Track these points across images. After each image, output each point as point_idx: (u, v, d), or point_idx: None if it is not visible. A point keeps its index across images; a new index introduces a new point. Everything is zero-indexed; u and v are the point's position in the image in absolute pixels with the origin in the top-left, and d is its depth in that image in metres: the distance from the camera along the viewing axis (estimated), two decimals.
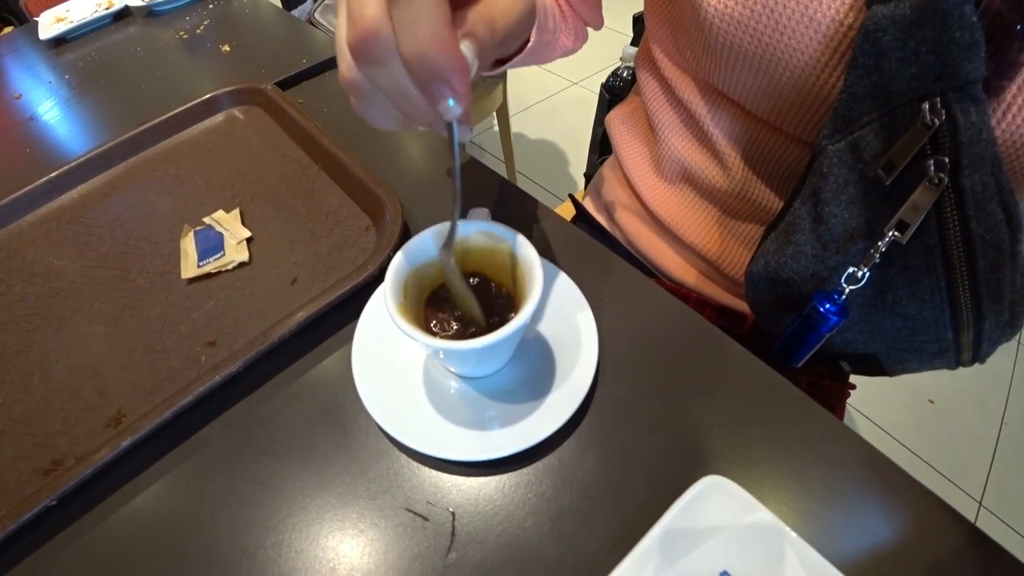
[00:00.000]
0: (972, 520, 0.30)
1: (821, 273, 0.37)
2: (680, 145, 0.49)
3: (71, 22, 0.84)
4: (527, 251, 0.32)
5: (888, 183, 0.32)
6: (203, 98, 0.62)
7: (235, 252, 0.47)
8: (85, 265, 0.49)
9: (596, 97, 0.84)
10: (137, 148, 0.59)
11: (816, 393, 0.36)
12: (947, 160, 0.30)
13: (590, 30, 0.55)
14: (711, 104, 0.44)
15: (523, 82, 2.12)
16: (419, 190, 0.51)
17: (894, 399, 1.28)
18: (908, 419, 1.25)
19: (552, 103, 2.06)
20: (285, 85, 0.66)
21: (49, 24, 0.85)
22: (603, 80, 0.83)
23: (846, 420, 0.39)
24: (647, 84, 0.52)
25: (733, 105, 0.43)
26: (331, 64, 0.70)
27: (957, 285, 0.33)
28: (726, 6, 0.36)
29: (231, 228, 0.49)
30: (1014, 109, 0.31)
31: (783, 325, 0.41)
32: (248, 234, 0.48)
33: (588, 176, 0.81)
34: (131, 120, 0.61)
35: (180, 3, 0.92)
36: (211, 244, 0.48)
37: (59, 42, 0.85)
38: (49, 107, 0.72)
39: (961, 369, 0.41)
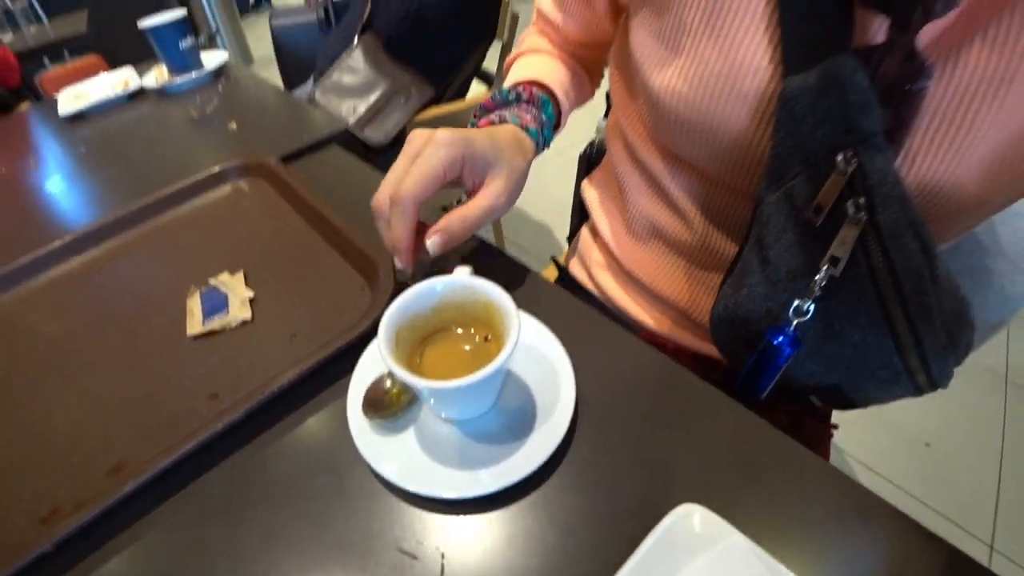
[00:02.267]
0: (986, 564, 0.31)
1: (774, 310, 0.40)
2: (646, 204, 0.54)
3: (89, 100, 0.91)
4: (505, 302, 0.35)
5: (819, 224, 0.37)
6: (211, 170, 0.67)
7: (238, 311, 0.50)
8: (93, 323, 0.52)
9: (575, 165, 0.91)
10: (147, 216, 0.63)
11: (797, 434, 0.39)
12: (863, 201, 0.35)
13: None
14: (670, 166, 0.50)
15: None
16: None
17: (891, 445, 1.29)
18: (907, 465, 1.26)
19: (536, 174, 2.16)
20: (287, 160, 0.71)
21: (68, 101, 0.91)
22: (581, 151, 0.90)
23: (843, 468, 0.41)
24: (615, 151, 0.58)
25: (688, 167, 0.48)
26: (329, 141, 0.76)
27: (890, 310, 0.37)
28: (671, 84, 0.42)
29: (235, 289, 0.52)
30: (919, 158, 0.36)
31: (747, 362, 0.44)
32: (251, 294, 0.52)
33: (571, 240, 0.86)
34: (142, 190, 0.66)
35: (191, 85, 1.00)
36: (216, 303, 0.51)
37: (75, 117, 0.91)
38: (64, 176, 0.77)
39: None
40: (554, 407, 0.38)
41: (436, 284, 0.38)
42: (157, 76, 1.00)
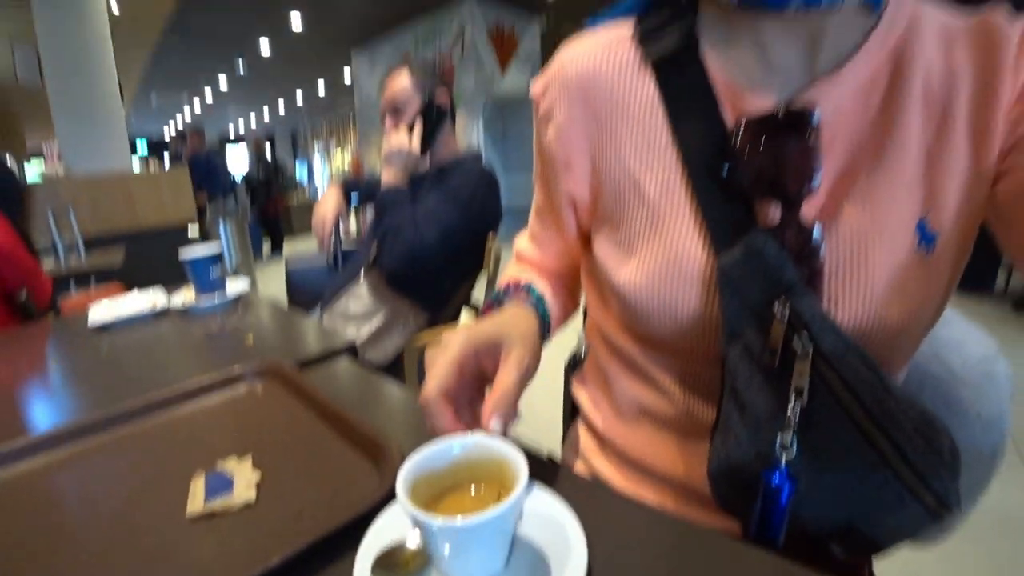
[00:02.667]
0: None
1: (763, 451, 0.43)
2: (630, 387, 0.59)
3: (118, 314, 0.99)
4: (517, 459, 0.39)
5: (777, 365, 0.43)
6: (228, 371, 0.72)
7: (243, 491, 0.50)
8: (94, 502, 0.51)
9: (561, 376, 0.98)
10: (161, 407, 0.67)
11: None
12: (806, 335, 0.42)
13: None
14: (644, 349, 0.57)
15: None
16: (415, 443, 0.57)
17: None
18: None
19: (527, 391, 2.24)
20: (301, 367, 0.77)
21: (98, 312, 1.00)
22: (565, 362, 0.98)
23: None
24: (596, 346, 0.65)
25: (660, 346, 0.55)
26: (337, 354, 0.84)
27: (862, 424, 0.41)
28: (631, 280, 0.52)
29: (242, 472, 0.53)
30: (839, 300, 0.45)
31: (754, 510, 0.45)
32: (258, 477, 0.52)
33: (564, 440, 0.89)
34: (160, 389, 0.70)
35: (213, 307, 1.11)
36: (220, 484, 0.51)
37: (101, 328, 0.99)
38: (86, 375, 0.81)
39: None
40: (565, 571, 0.38)
41: (453, 445, 0.41)
42: (184, 298, 1.12)
